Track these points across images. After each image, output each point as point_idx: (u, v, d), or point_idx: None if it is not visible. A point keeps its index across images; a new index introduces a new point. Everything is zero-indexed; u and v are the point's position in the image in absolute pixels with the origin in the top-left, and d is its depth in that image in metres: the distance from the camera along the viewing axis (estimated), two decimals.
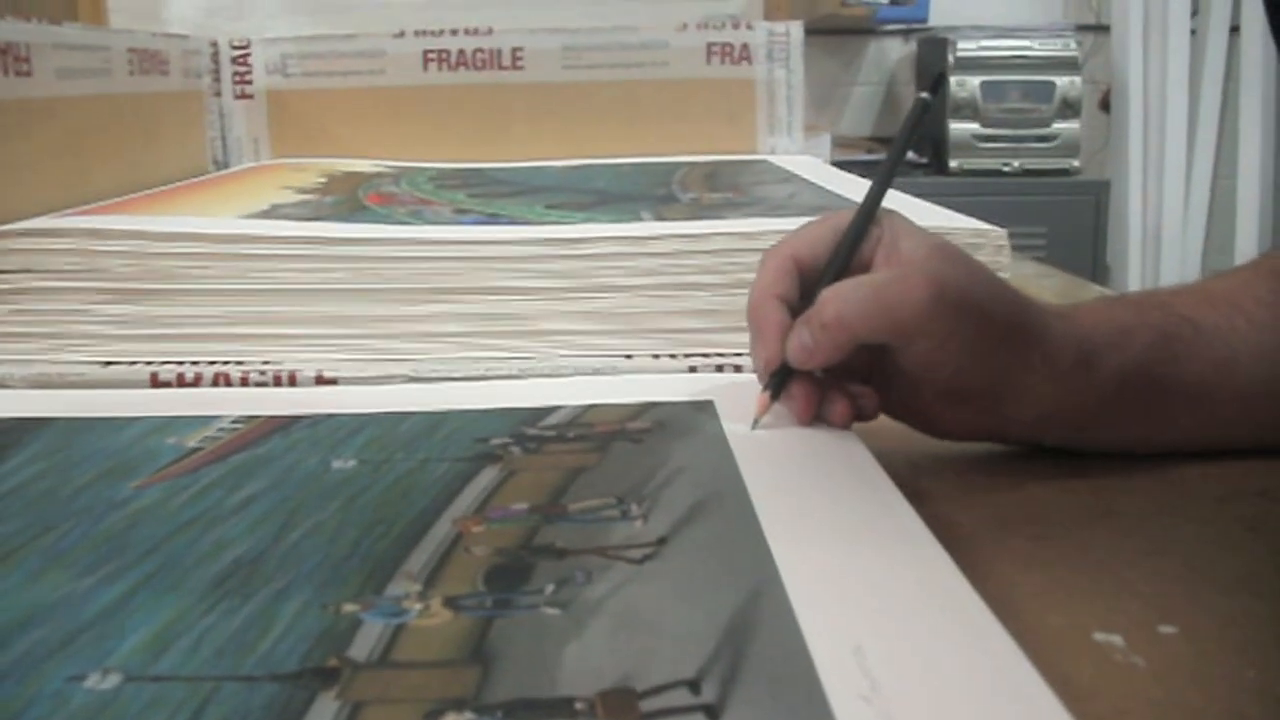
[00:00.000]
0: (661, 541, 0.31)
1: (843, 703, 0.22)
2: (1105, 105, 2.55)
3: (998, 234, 0.57)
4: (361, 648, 0.26)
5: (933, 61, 2.38)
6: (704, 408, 0.42)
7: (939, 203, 0.73)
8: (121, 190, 0.80)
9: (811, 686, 0.23)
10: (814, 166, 0.92)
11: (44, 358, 0.58)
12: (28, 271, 0.58)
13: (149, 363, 0.56)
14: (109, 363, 0.57)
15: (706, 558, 0.30)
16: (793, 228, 0.52)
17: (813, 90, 2.58)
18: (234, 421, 0.43)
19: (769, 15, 2.38)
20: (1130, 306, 0.42)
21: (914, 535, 0.31)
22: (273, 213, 0.66)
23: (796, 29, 1.08)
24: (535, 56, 1.05)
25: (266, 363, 0.56)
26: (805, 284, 0.41)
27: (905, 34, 2.54)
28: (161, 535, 0.32)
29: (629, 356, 0.55)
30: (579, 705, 0.23)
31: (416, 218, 0.65)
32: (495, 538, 0.31)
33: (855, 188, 0.75)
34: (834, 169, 0.93)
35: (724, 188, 0.79)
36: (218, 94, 1.06)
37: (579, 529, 0.32)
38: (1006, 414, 0.40)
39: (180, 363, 0.56)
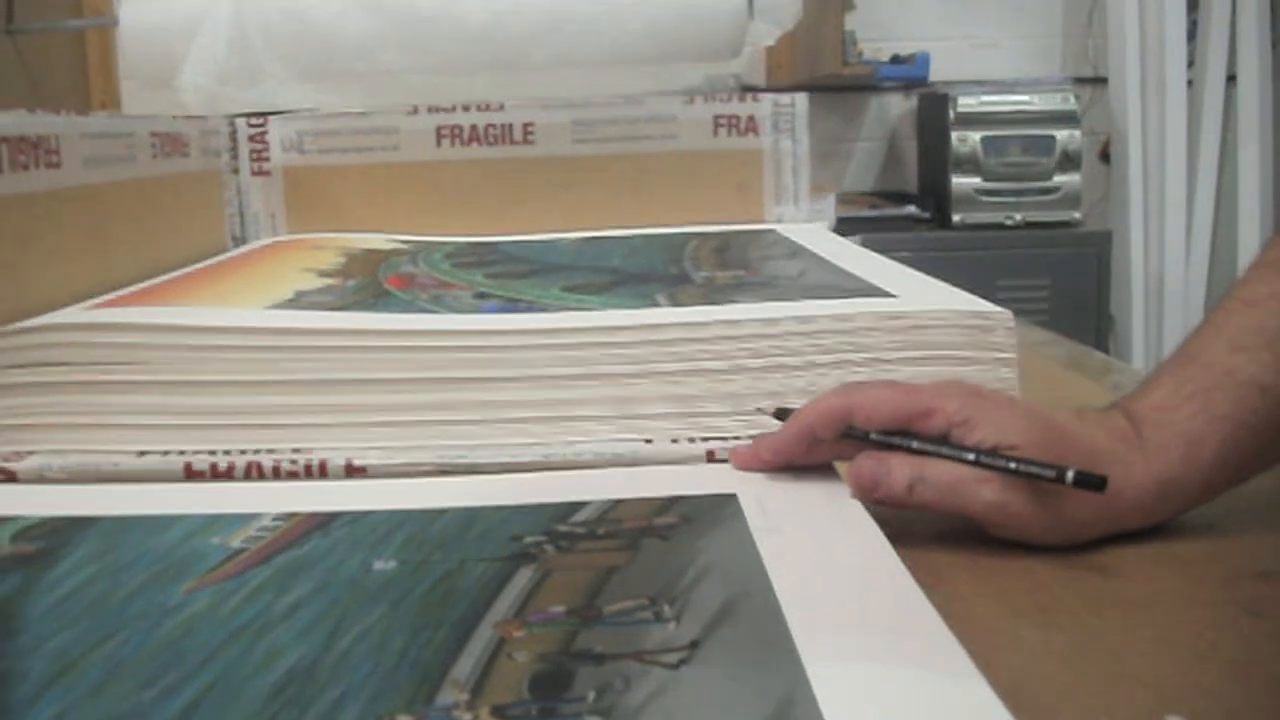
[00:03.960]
0: (694, 645, 0.32)
1: None
2: (1105, 156, 2.58)
3: (1003, 316, 0.59)
4: None
5: (934, 117, 2.42)
6: (728, 501, 0.44)
7: (942, 257, 0.77)
8: (146, 270, 0.82)
9: None
10: (819, 236, 0.94)
11: (79, 447, 0.60)
12: (63, 365, 0.60)
13: (181, 452, 0.58)
14: (143, 452, 0.59)
15: (739, 663, 0.31)
16: (804, 313, 0.54)
17: (817, 146, 2.61)
18: (274, 519, 0.44)
19: (771, 75, 2.43)
20: (1198, 399, 0.44)
21: (937, 640, 0.32)
22: (298, 301, 0.68)
23: (802, 100, 1.10)
24: (546, 131, 1.08)
25: (297, 451, 0.58)
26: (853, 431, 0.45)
27: (906, 90, 2.57)
28: (216, 644, 0.34)
29: (649, 441, 0.57)
30: None
31: (438, 304, 0.67)
32: (536, 643, 0.33)
33: (857, 262, 0.77)
34: (837, 238, 0.95)
35: (735, 264, 0.81)
36: (235, 171, 1.08)
37: (615, 632, 0.33)
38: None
39: (213, 452, 0.58)
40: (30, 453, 0.59)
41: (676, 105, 1.09)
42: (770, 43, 2.08)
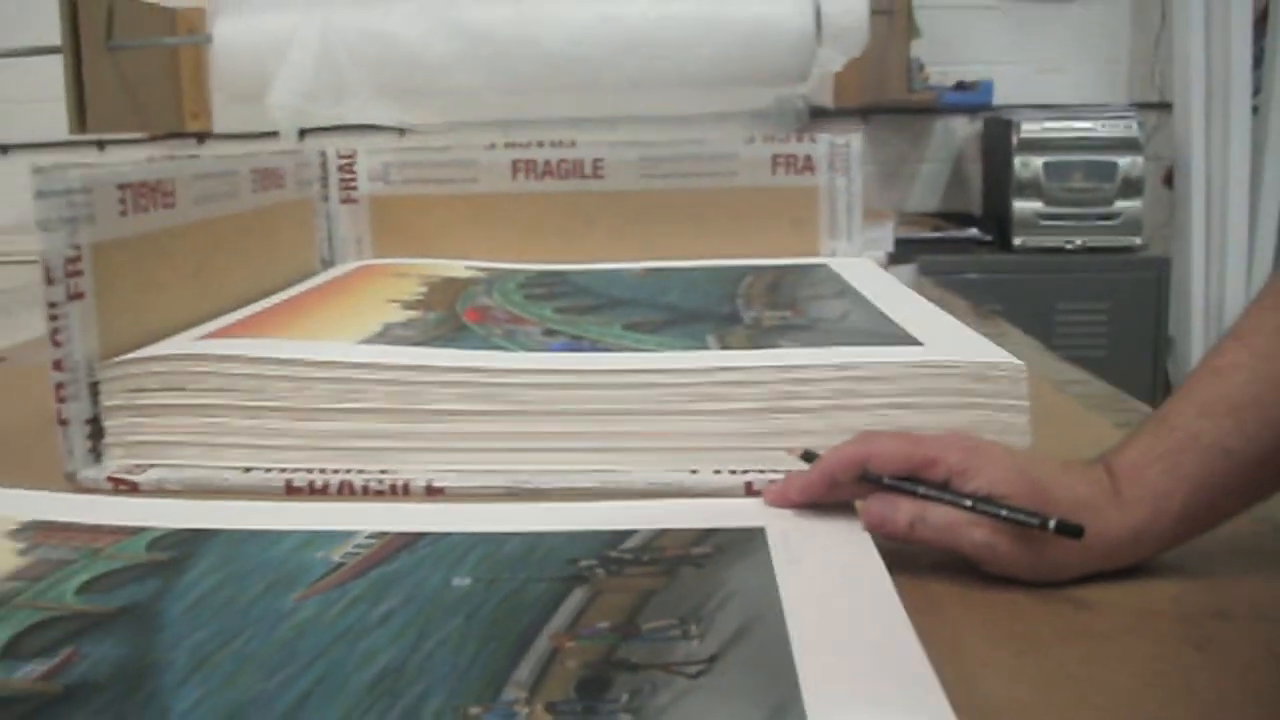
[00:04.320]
0: (712, 659, 0.39)
1: None
2: (1169, 181, 2.60)
3: (1016, 367, 0.64)
4: None
5: (998, 141, 2.46)
6: (756, 534, 0.51)
7: (1003, 280, 0.85)
8: (245, 294, 0.90)
9: None
10: (868, 274, 1.00)
11: (192, 463, 0.68)
12: (179, 390, 0.68)
13: (283, 470, 0.66)
14: (249, 469, 0.67)
15: (746, 675, 0.38)
16: (838, 360, 0.61)
17: (881, 167, 2.66)
18: (368, 537, 0.52)
19: (838, 98, 2.48)
20: (1167, 459, 0.49)
21: (916, 668, 0.39)
22: (386, 335, 0.75)
23: (856, 140, 1.16)
24: (615, 166, 1.15)
25: (384, 472, 0.65)
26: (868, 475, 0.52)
27: (971, 113, 2.62)
28: (323, 645, 0.41)
29: (694, 471, 0.64)
30: None
31: (511, 340, 0.74)
32: (583, 653, 0.40)
33: (895, 305, 0.83)
34: (884, 275, 1.01)
35: (783, 305, 0.87)
36: (325, 199, 1.16)
37: (649, 646, 0.40)
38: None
39: (310, 470, 0.66)
40: (150, 466, 0.68)
41: (738, 144, 1.15)
42: (837, 68, 2.13)
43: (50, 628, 0.44)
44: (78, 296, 0.68)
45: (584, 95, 2.09)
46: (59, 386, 0.67)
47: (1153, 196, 2.56)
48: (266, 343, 0.71)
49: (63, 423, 0.68)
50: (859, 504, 0.54)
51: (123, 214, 0.73)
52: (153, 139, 2.59)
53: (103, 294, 0.70)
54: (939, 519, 0.49)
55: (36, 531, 0.55)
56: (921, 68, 2.44)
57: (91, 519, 0.57)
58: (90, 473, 0.67)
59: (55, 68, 2.21)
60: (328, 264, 1.15)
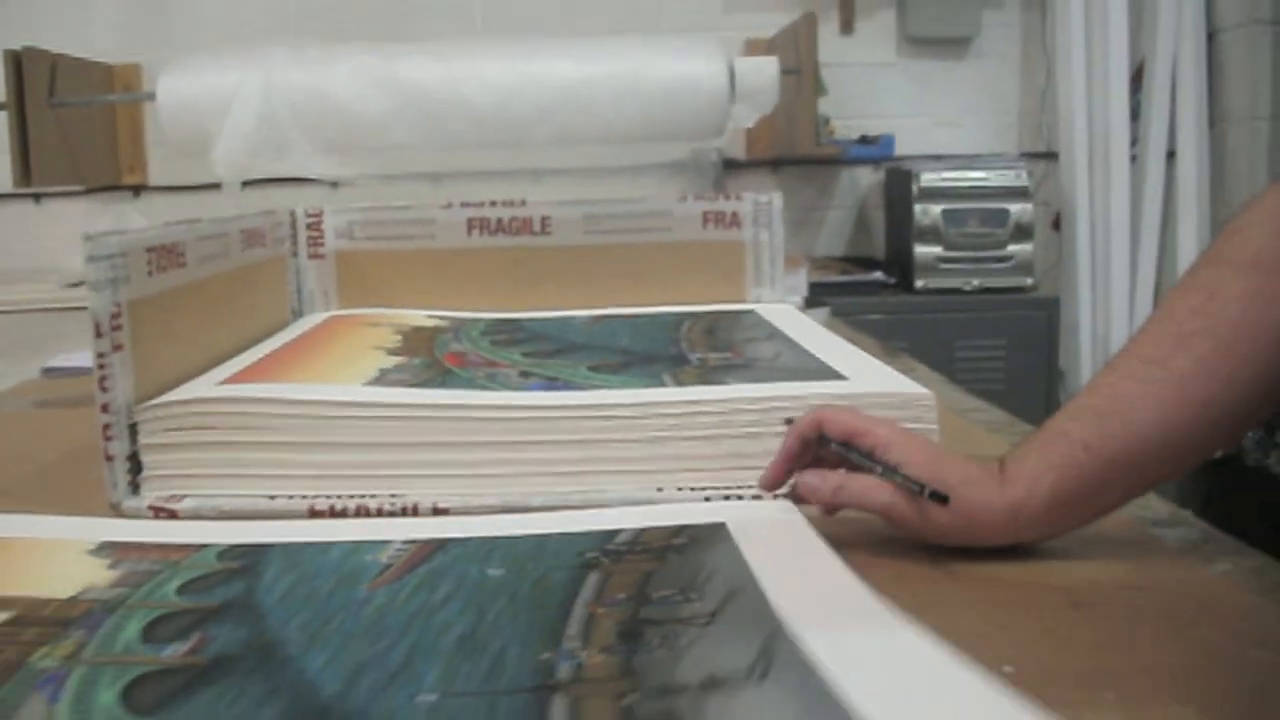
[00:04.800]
0: (713, 615, 0.51)
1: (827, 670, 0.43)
2: (1057, 225, 2.79)
3: (926, 396, 0.77)
4: (565, 674, 0.46)
5: (899, 190, 2.62)
6: (719, 528, 0.63)
7: (907, 320, 1.01)
8: (237, 343, 0.99)
9: (806, 667, 0.44)
10: (791, 319, 1.12)
11: (222, 492, 0.78)
12: (207, 429, 0.78)
13: (305, 496, 0.76)
14: (274, 496, 0.77)
15: (740, 622, 0.50)
16: (777, 394, 0.74)
17: (791, 214, 2.81)
18: (403, 544, 0.63)
19: (750, 150, 2.64)
20: (1040, 451, 0.62)
21: (865, 602, 0.51)
22: (384, 379, 0.86)
23: (778, 199, 1.29)
24: (561, 223, 1.26)
25: (394, 496, 0.76)
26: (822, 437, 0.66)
27: (874, 164, 2.78)
28: (404, 621, 0.52)
29: (660, 489, 0.75)
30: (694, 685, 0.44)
31: (493, 381, 0.86)
32: (613, 615, 0.52)
33: (819, 345, 0.96)
34: (805, 320, 1.13)
35: (723, 347, 0.99)
36: (295, 255, 1.26)
37: (662, 609, 0.52)
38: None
39: (328, 497, 0.76)
40: (185, 496, 0.78)
41: (672, 203, 1.27)
42: (750, 124, 2.29)
43: (170, 621, 0.54)
44: (119, 348, 0.78)
45: (513, 151, 2.21)
46: (105, 427, 0.77)
47: (1042, 240, 2.74)
48: (283, 387, 0.81)
49: (109, 459, 0.77)
50: (794, 478, 0.66)
51: (149, 274, 0.83)
52: (89, 192, 2.65)
53: (136, 345, 0.79)
54: (854, 485, 0.63)
55: (114, 550, 0.65)
56: (828, 122, 2.60)
57: (157, 539, 0.67)
58: (132, 502, 0.77)
59: None
60: (297, 314, 1.25)
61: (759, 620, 0.50)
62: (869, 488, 0.63)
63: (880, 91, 2.80)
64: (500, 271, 1.26)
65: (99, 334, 0.77)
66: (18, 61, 2.21)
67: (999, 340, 2.51)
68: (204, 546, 0.65)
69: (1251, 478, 2.47)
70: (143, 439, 0.78)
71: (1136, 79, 2.71)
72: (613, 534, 0.64)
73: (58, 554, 0.64)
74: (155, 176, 2.68)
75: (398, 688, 0.46)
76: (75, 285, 2.38)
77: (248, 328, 1.06)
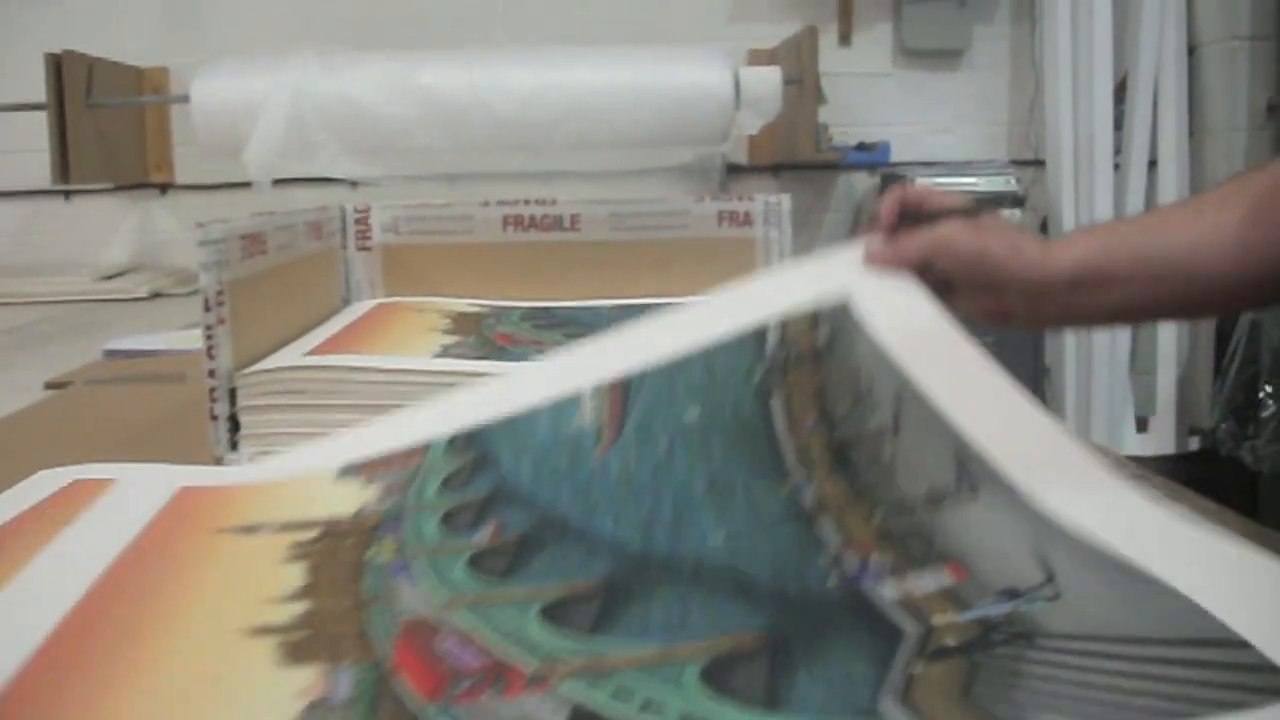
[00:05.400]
0: (895, 427, 0.61)
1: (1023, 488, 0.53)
2: (1044, 230, 2.90)
3: None
4: (809, 502, 0.57)
5: None
6: (845, 312, 0.69)
7: None
8: (301, 324, 1.10)
9: (1004, 485, 0.54)
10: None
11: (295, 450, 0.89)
12: (300, 393, 0.90)
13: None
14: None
15: (922, 430, 0.59)
16: None
17: (791, 216, 2.93)
18: (591, 404, 0.69)
19: (752, 156, 2.76)
20: (1078, 230, 0.75)
21: (1005, 388, 0.62)
22: (447, 353, 0.98)
23: (786, 200, 1.40)
24: (589, 221, 1.38)
25: None
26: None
27: (871, 169, 2.90)
28: (650, 478, 0.60)
29: None
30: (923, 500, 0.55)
31: (544, 356, 0.97)
32: (816, 440, 0.61)
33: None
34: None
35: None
36: (344, 247, 1.38)
37: (852, 427, 0.62)
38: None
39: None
40: (278, 452, 0.89)
41: (690, 203, 1.39)
42: (754, 131, 2.41)
43: (456, 515, 0.61)
44: (222, 322, 0.89)
45: (532, 154, 2.33)
46: (212, 391, 0.89)
47: None
48: (365, 357, 0.93)
49: (213, 418, 0.89)
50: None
51: (243, 259, 0.94)
52: (117, 189, 2.77)
53: (234, 320, 0.91)
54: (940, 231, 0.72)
55: (359, 470, 0.70)
56: (827, 129, 2.72)
57: (383, 450, 0.73)
58: (232, 456, 0.89)
59: (28, 121, 2.39)
60: (346, 302, 1.36)
61: (937, 432, 0.58)
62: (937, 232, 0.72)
63: (877, 100, 2.92)
64: (532, 264, 1.37)
65: (207, 308, 0.88)
66: (58, 64, 2.33)
67: (986, 338, 2.58)
68: (428, 446, 0.71)
69: (1226, 466, 2.60)
70: (241, 401, 0.90)
71: (1120, 91, 2.81)
72: (760, 337, 0.70)
73: (310, 485, 0.70)
74: (181, 175, 2.79)
75: (686, 537, 0.55)
76: (109, 278, 2.50)
77: (310, 310, 1.17)
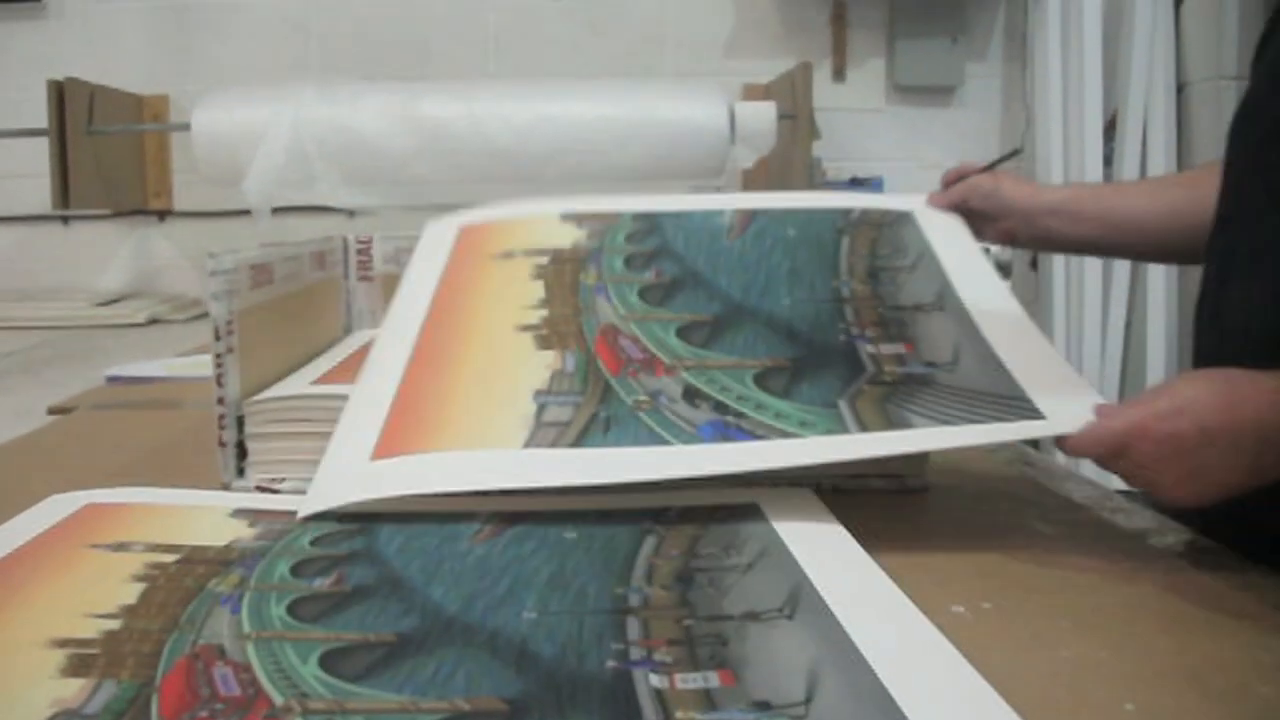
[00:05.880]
0: (750, 565, 0.65)
1: (840, 611, 0.57)
2: (1035, 265, 2.94)
3: None
4: (635, 602, 0.60)
5: None
6: (752, 507, 0.76)
7: None
8: (305, 353, 1.13)
9: (825, 610, 0.58)
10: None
11: (300, 477, 0.90)
12: (305, 421, 0.91)
13: None
14: None
15: (774, 571, 0.64)
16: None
17: None
18: (489, 516, 0.76)
19: (746, 188, 2.77)
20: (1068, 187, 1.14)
21: (871, 575, 0.65)
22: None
23: None
24: None
25: None
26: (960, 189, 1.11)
27: None
28: (503, 565, 0.66)
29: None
30: (737, 616, 0.57)
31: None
32: (671, 565, 0.65)
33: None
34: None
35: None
36: (346, 277, 1.40)
37: (709, 560, 0.66)
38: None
39: None
40: (284, 478, 0.91)
41: None
42: (749, 165, 2.44)
43: (310, 564, 0.67)
44: (231, 350, 0.91)
45: (528, 186, 2.36)
46: (220, 418, 0.90)
47: (1020, 278, 2.89)
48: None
49: (221, 445, 0.91)
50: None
51: (251, 288, 0.96)
52: (115, 215, 2.79)
53: (242, 348, 0.93)
54: (971, 179, 1.12)
55: (250, 514, 0.78)
56: (820, 164, 2.75)
57: (281, 506, 0.80)
58: (239, 483, 0.90)
59: (28, 147, 2.41)
60: (348, 330, 1.38)
61: (786, 572, 0.64)
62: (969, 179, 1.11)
63: (870, 136, 2.96)
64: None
65: (217, 337, 0.90)
66: (60, 91, 2.35)
67: None
68: (324, 513, 0.78)
69: None
70: (249, 429, 0.91)
71: (1110, 128, 2.85)
72: (663, 510, 0.77)
73: (203, 516, 0.77)
74: (180, 202, 2.81)
75: (505, 609, 0.60)
76: (106, 304, 2.51)
77: (314, 339, 1.19)
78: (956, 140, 2.99)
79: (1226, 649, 0.59)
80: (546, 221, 1.09)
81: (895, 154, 2.96)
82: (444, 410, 0.85)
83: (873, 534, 0.72)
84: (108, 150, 2.53)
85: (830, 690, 0.51)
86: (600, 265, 1.00)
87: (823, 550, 0.69)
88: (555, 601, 0.61)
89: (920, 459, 0.89)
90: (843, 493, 0.87)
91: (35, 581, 0.65)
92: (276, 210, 2.29)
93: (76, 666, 0.54)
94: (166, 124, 2.69)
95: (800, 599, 0.60)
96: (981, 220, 1.09)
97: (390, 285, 1.40)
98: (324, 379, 0.99)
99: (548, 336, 0.92)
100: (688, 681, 0.52)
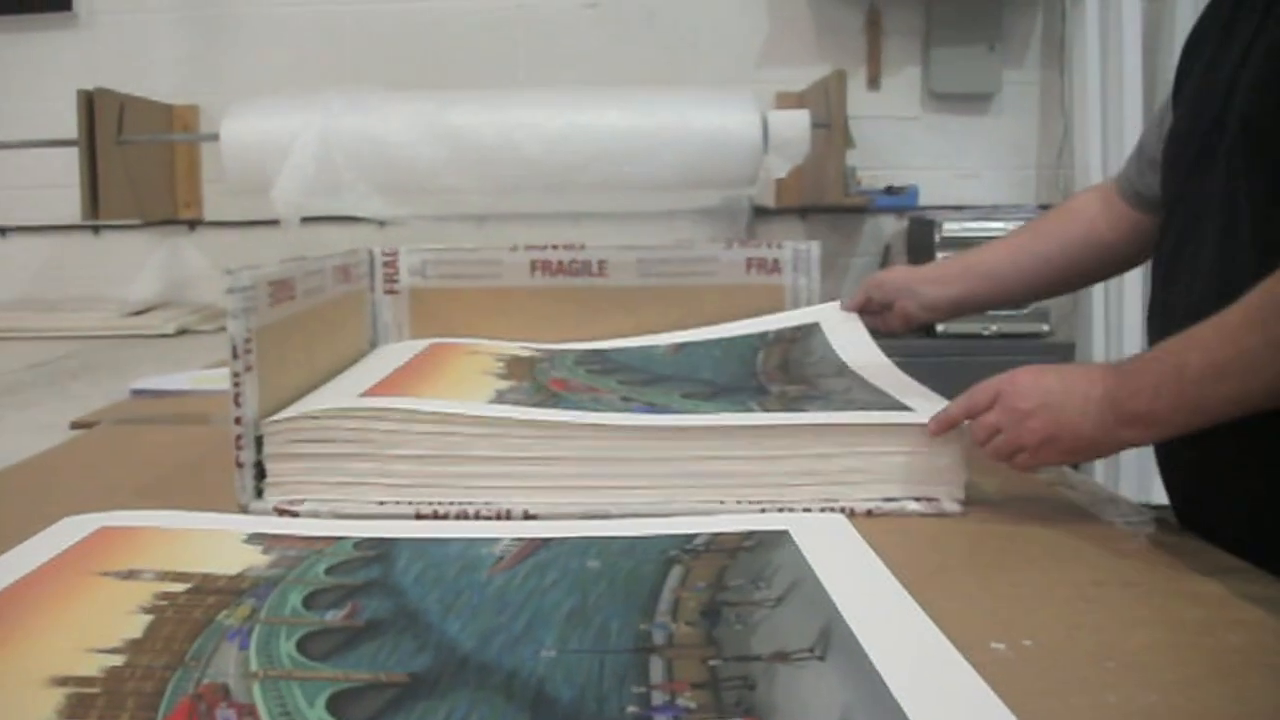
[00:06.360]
0: (779, 600, 0.62)
1: (874, 652, 0.54)
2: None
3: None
4: (659, 640, 0.57)
5: (922, 238, 2.73)
6: (783, 535, 0.74)
7: (928, 362, 1.24)
8: (331, 367, 1.10)
9: (859, 652, 0.55)
10: (858, 355, 1.18)
11: (335, 498, 0.88)
12: (327, 441, 0.89)
13: (410, 503, 0.87)
14: (382, 502, 0.88)
15: (804, 606, 0.61)
16: (859, 422, 0.87)
17: (820, 260, 2.93)
18: (511, 541, 0.74)
19: (780, 199, 2.75)
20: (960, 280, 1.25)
21: (899, 598, 0.62)
22: (502, 399, 0.96)
23: (815, 247, 1.40)
24: (616, 266, 1.37)
25: (487, 503, 0.87)
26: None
27: (898, 213, 2.89)
28: (522, 599, 0.63)
29: (721, 502, 0.86)
30: (766, 656, 0.55)
31: (598, 403, 0.95)
32: (696, 598, 0.63)
33: (884, 379, 1.05)
34: (871, 355, 1.18)
35: (797, 380, 1.10)
36: (371, 290, 1.38)
37: (737, 593, 0.63)
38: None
39: (430, 503, 0.87)
40: (303, 500, 0.88)
41: (718, 249, 1.38)
42: (782, 175, 2.41)
43: (324, 594, 0.65)
44: (249, 369, 0.89)
45: (559, 195, 2.34)
46: (238, 438, 0.88)
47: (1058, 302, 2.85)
48: (401, 400, 0.92)
49: (239, 465, 0.88)
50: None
51: (270, 305, 0.94)
52: (146, 225, 2.78)
53: (262, 366, 0.91)
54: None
55: (264, 540, 0.76)
56: (855, 173, 2.72)
57: (298, 532, 0.78)
58: (258, 504, 0.88)
59: (58, 158, 2.41)
60: (374, 344, 1.36)
61: (818, 607, 0.61)
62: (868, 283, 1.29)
63: (905, 144, 2.92)
64: (559, 309, 1.37)
65: (235, 356, 0.88)
66: (90, 101, 2.35)
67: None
68: (341, 539, 0.76)
69: None
70: (267, 449, 0.89)
71: None
72: (691, 537, 0.74)
73: (217, 541, 0.75)
74: (210, 212, 2.80)
75: (522, 647, 0.57)
76: (137, 314, 2.51)
77: (339, 354, 1.17)
78: (993, 149, 2.95)
79: None
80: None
81: (931, 163, 2.92)
82: (407, 393, 0.95)
83: (908, 562, 0.70)
84: (138, 160, 2.53)
85: None
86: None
87: (855, 582, 0.66)
88: (576, 638, 0.58)
89: (956, 478, 0.87)
90: (876, 516, 0.84)
91: (42, 611, 0.63)
92: (306, 220, 2.28)
93: (75, 707, 0.52)
94: (196, 134, 2.68)
95: (832, 638, 0.57)
96: (883, 311, 1.28)
97: (417, 299, 1.39)
98: (373, 391, 0.97)
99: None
100: None
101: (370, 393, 0.96)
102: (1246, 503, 0.85)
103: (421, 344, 1.28)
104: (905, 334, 1.32)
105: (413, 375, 1.08)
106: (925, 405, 0.94)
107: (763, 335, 1.27)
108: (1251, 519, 0.83)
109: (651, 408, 0.95)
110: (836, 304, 1.31)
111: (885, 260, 2.91)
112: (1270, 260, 0.73)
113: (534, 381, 1.06)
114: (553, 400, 0.97)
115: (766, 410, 0.94)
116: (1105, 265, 1.21)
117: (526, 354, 1.23)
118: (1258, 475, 0.84)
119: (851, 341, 1.22)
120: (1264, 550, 0.74)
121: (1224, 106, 0.89)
